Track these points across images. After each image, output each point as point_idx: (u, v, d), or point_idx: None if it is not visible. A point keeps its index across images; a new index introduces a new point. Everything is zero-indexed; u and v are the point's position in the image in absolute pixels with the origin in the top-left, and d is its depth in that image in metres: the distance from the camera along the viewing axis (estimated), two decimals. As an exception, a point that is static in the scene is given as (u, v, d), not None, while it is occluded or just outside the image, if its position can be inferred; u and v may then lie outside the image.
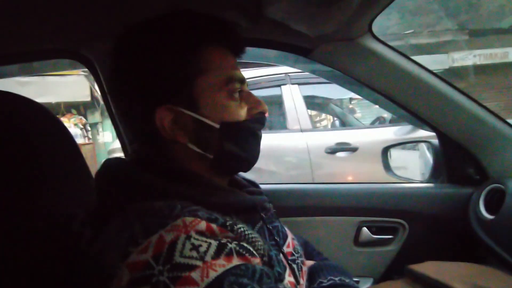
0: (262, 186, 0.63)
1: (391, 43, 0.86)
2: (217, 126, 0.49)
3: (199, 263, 0.35)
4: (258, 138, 0.55)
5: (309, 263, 0.67)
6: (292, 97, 2.45)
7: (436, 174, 1.07)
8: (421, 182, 1.17)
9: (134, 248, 0.37)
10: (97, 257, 0.41)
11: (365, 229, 1.01)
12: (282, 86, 2.49)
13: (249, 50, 0.92)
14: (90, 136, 6.49)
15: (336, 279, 0.59)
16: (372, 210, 1.01)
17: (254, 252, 0.42)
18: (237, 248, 0.39)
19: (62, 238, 0.47)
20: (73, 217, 0.47)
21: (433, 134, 1.00)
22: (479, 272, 0.57)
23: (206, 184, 0.49)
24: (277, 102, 2.57)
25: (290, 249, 0.58)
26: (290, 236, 0.61)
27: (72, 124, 5.97)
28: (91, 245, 0.42)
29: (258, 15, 0.70)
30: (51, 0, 0.61)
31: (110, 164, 0.50)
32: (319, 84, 2.56)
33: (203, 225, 0.39)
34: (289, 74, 2.46)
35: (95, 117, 6.49)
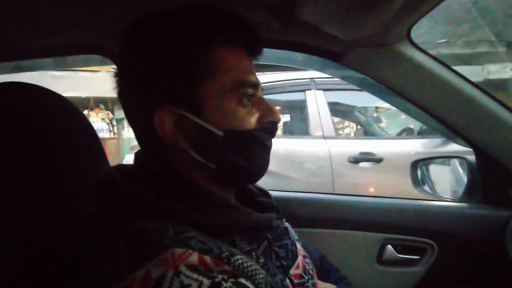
0: (279, 194, 0.60)
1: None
2: (221, 134, 0.45)
3: None
4: (267, 149, 0.50)
5: (323, 285, 0.62)
6: (316, 103, 2.41)
7: (470, 193, 1.00)
8: (453, 200, 1.10)
9: (118, 284, 0.34)
10: (80, 284, 0.38)
11: (390, 247, 0.95)
12: (306, 91, 2.45)
13: (276, 52, 0.91)
14: (116, 131, 6.70)
15: None
16: (399, 227, 0.95)
17: None
18: (234, 287, 0.35)
19: (80, 239, 0.46)
20: (91, 217, 0.46)
21: (468, 149, 0.93)
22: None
23: (206, 199, 0.45)
24: (301, 107, 2.52)
25: (299, 271, 0.52)
26: (300, 255, 0.55)
27: (99, 119, 6.18)
28: (79, 267, 0.40)
29: (290, 16, 0.67)
30: None
31: (108, 174, 0.46)
32: (344, 90, 2.50)
33: (194, 258, 0.35)
34: (315, 79, 2.42)
35: (122, 112, 6.68)
